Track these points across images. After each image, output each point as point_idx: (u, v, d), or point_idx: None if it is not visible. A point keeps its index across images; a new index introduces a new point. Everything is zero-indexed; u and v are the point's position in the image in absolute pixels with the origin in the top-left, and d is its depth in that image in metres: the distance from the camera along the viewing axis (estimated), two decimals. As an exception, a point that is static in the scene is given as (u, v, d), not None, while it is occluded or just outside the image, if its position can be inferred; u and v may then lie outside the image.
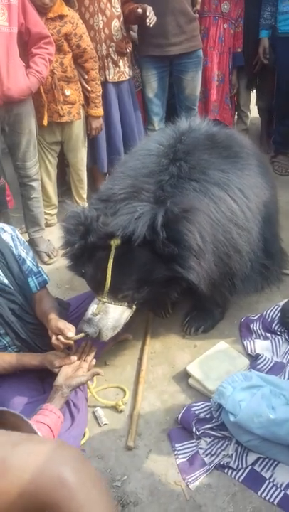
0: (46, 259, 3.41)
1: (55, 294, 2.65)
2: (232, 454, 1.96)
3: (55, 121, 3.33)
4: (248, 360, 2.40)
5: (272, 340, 2.51)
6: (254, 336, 2.58)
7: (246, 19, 4.12)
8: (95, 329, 2.02)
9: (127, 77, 3.62)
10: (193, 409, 2.13)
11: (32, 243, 3.41)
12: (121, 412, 2.24)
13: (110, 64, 3.48)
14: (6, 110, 2.91)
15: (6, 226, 2.26)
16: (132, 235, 1.92)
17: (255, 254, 2.38)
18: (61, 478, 0.69)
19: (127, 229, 1.92)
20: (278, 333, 2.55)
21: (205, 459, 1.98)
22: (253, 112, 4.91)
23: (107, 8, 3.31)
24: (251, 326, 2.61)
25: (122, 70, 3.56)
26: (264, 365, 2.36)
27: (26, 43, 2.93)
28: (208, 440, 2.05)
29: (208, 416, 2.09)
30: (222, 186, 2.19)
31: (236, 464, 1.93)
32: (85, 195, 3.81)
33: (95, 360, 2.08)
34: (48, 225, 3.69)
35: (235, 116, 4.80)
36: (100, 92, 3.45)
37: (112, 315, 2.08)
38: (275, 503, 1.81)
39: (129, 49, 3.58)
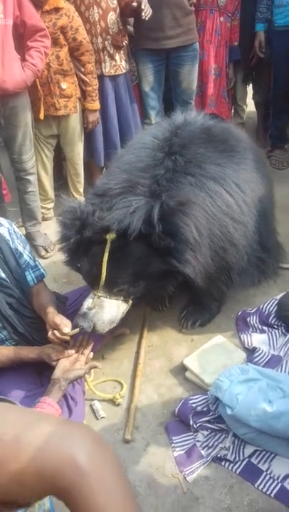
0: (43, 253, 3.40)
1: (52, 288, 2.64)
2: (229, 447, 1.97)
3: (52, 114, 3.32)
4: (244, 353, 2.41)
5: (269, 334, 2.52)
6: (251, 329, 2.59)
7: (242, 12, 4.08)
8: (90, 323, 2.02)
9: (124, 71, 3.60)
10: (190, 402, 2.13)
11: (29, 237, 3.39)
12: (118, 405, 2.25)
13: (106, 57, 3.46)
14: (2, 103, 2.90)
15: (2, 220, 2.25)
16: (127, 228, 1.92)
17: (251, 247, 2.38)
18: (74, 460, 0.65)
19: (122, 223, 1.92)
20: (275, 326, 2.55)
21: (202, 451, 1.99)
22: (250, 106, 4.90)
23: (102, 1, 3.28)
24: (248, 320, 2.62)
25: (119, 64, 3.54)
26: (261, 358, 2.37)
27: (22, 35, 2.91)
28: (206, 433, 2.06)
29: (205, 409, 2.10)
30: (218, 180, 2.18)
31: (233, 456, 1.94)
32: (81, 189, 3.80)
33: (92, 353, 2.09)
34: (44, 219, 3.67)
35: (232, 110, 4.79)
36: (97, 86, 3.43)
37: (108, 309, 2.07)
38: (272, 495, 1.82)
39: (125, 42, 3.56)
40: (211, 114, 4.01)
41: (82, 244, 2.08)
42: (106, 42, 3.41)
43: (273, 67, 4.10)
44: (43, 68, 3.04)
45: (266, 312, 2.62)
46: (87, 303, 2.07)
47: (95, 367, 2.07)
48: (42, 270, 2.28)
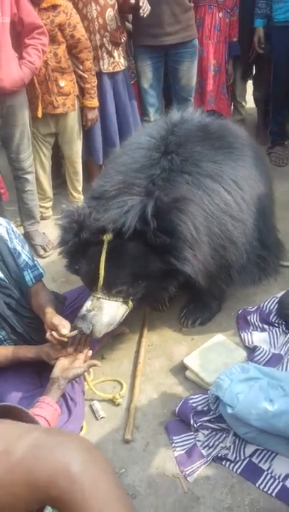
0: (42, 252, 3.39)
1: (50, 287, 2.64)
2: (230, 446, 1.96)
3: (50, 112, 3.30)
4: (245, 352, 2.40)
5: (270, 332, 2.51)
6: (251, 327, 2.57)
7: (241, 8, 4.06)
8: (88, 325, 2.00)
9: (122, 68, 3.58)
10: (190, 401, 2.12)
11: (27, 236, 3.38)
12: (118, 405, 2.23)
13: (105, 54, 3.44)
14: (-1, 102, 2.88)
15: (0, 219, 2.23)
16: (122, 227, 1.92)
17: (251, 245, 2.37)
18: (67, 469, 0.66)
19: (117, 222, 1.92)
20: (276, 324, 2.54)
21: (203, 451, 1.98)
22: (250, 102, 4.88)
23: (100, -2, 3.27)
24: (249, 318, 2.61)
25: (117, 61, 3.52)
26: (262, 357, 2.35)
27: (19, 33, 2.89)
28: (206, 432, 2.05)
29: (205, 408, 2.09)
30: (215, 178, 2.17)
31: (234, 455, 1.93)
32: (80, 188, 3.78)
33: (91, 352, 2.08)
34: (43, 218, 3.66)
35: (232, 107, 4.77)
36: (95, 83, 3.41)
37: (107, 311, 2.06)
38: (274, 494, 1.81)
39: (123, 39, 3.53)
40: (211, 111, 4.01)
41: (80, 246, 2.08)
42: (104, 39, 3.39)
43: (273, 63, 4.09)
44: (40, 66, 3.03)
45: (267, 310, 2.61)
46: (87, 305, 2.06)
47: (94, 365, 2.06)
48: (40, 270, 2.27)
